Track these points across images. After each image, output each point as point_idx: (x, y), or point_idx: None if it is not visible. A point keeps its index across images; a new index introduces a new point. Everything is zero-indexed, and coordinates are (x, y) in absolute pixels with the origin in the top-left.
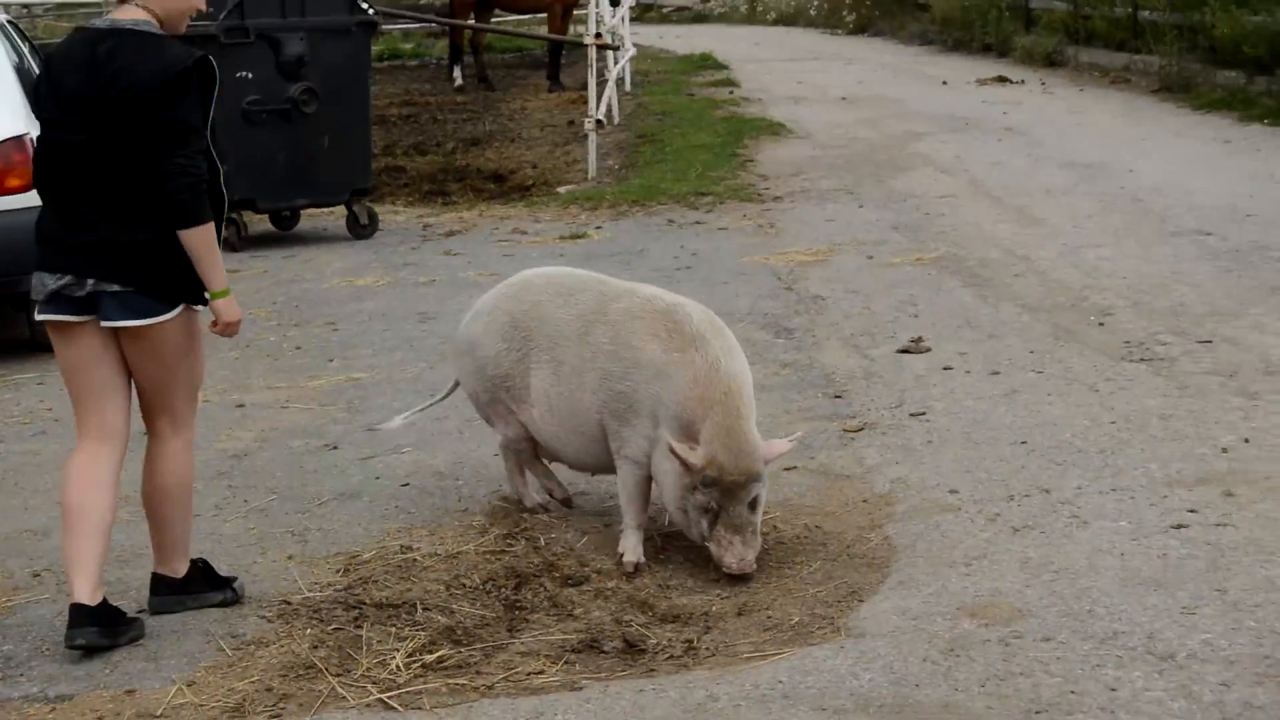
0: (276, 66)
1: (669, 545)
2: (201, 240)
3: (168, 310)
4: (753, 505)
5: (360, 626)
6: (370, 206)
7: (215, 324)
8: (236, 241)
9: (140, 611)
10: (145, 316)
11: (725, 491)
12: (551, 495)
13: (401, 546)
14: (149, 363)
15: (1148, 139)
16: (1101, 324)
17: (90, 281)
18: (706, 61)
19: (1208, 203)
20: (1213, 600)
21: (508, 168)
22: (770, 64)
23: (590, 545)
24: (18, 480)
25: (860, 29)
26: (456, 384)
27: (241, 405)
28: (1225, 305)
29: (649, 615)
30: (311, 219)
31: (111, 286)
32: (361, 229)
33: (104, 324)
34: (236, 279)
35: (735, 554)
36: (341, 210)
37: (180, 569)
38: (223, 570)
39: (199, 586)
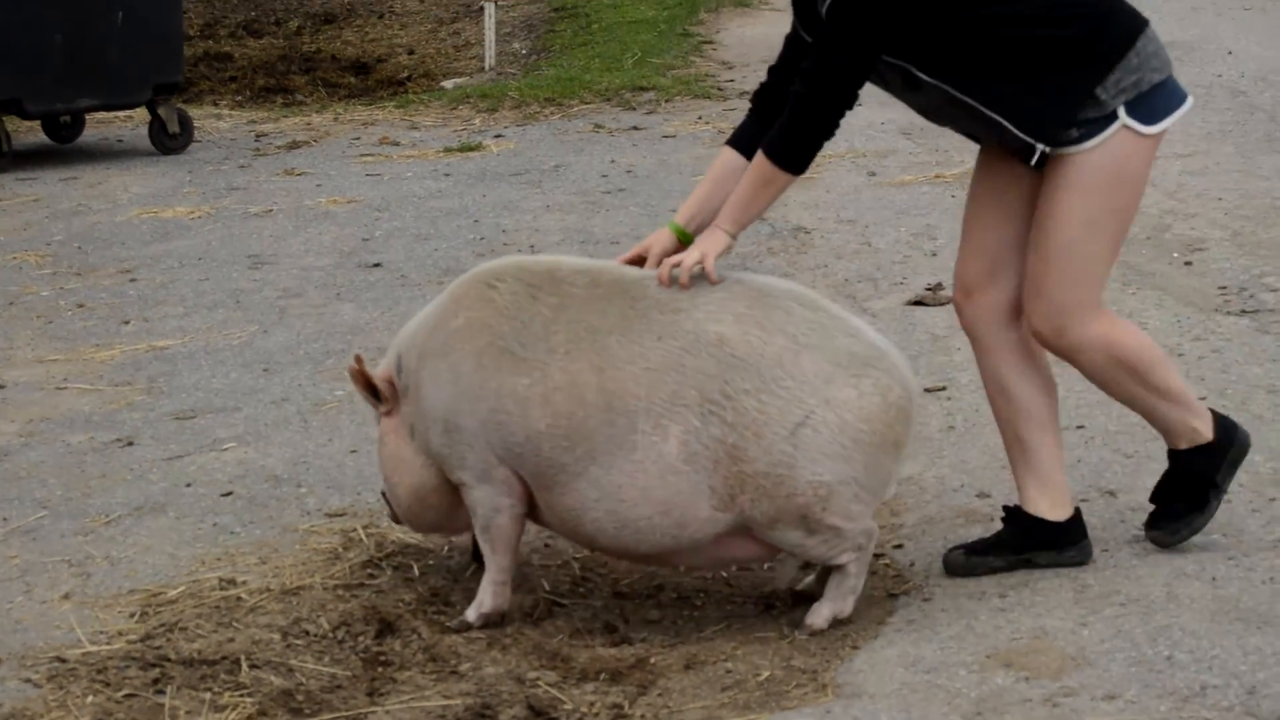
0: None
1: (591, 561)
2: None
3: None
4: None
5: (163, 692)
6: (182, 109)
7: None
8: None
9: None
10: None
11: None
12: None
13: (221, 580)
14: None
15: (1251, 8)
16: (1189, 263)
17: None
18: None
19: None
20: None
21: (374, 54)
22: None
23: (480, 573)
24: None
25: None
26: None
27: (0, 386)
28: None
29: (562, 670)
30: (101, 126)
31: None
32: (170, 140)
33: None
34: None
35: None
36: (142, 114)
37: (1030, 501)
38: None
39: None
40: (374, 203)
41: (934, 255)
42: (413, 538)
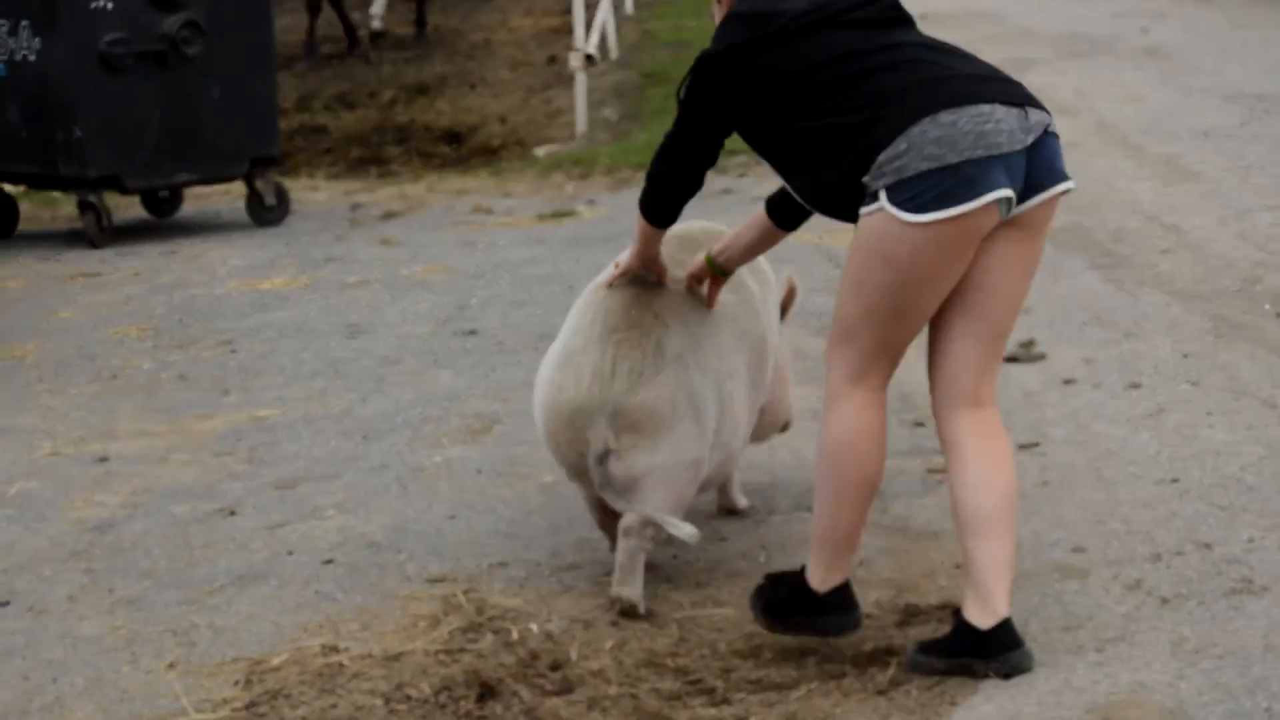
0: None
1: (690, 621)
2: None
3: None
4: None
5: None
6: (279, 181)
7: None
8: (96, 233)
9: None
10: None
11: None
12: None
13: (323, 647)
14: None
15: None
16: None
17: None
18: None
19: None
20: None
21: (467, 124)
22: None
23: (580, 636)
24: None
25: None
26: None
27: (104, 459)
28: None
29: None
30: (199, 200)
31: None
32: (267, 212)
33: None
34: (97, 284)
35: None
36: (240, 187)
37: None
38: (101, 686)
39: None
40: (469, 270)
41: (1026, 311)
42: (511, 602)
